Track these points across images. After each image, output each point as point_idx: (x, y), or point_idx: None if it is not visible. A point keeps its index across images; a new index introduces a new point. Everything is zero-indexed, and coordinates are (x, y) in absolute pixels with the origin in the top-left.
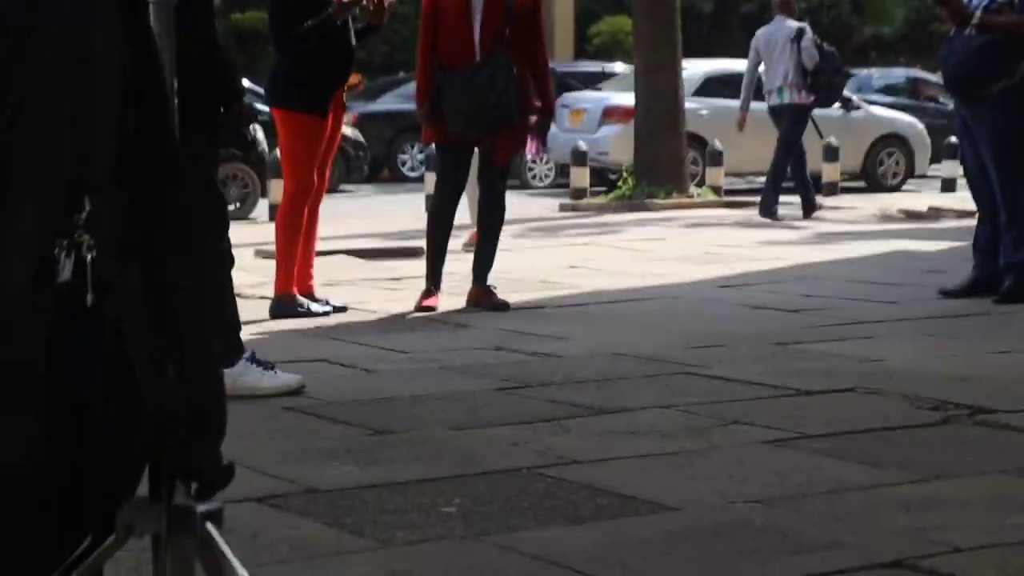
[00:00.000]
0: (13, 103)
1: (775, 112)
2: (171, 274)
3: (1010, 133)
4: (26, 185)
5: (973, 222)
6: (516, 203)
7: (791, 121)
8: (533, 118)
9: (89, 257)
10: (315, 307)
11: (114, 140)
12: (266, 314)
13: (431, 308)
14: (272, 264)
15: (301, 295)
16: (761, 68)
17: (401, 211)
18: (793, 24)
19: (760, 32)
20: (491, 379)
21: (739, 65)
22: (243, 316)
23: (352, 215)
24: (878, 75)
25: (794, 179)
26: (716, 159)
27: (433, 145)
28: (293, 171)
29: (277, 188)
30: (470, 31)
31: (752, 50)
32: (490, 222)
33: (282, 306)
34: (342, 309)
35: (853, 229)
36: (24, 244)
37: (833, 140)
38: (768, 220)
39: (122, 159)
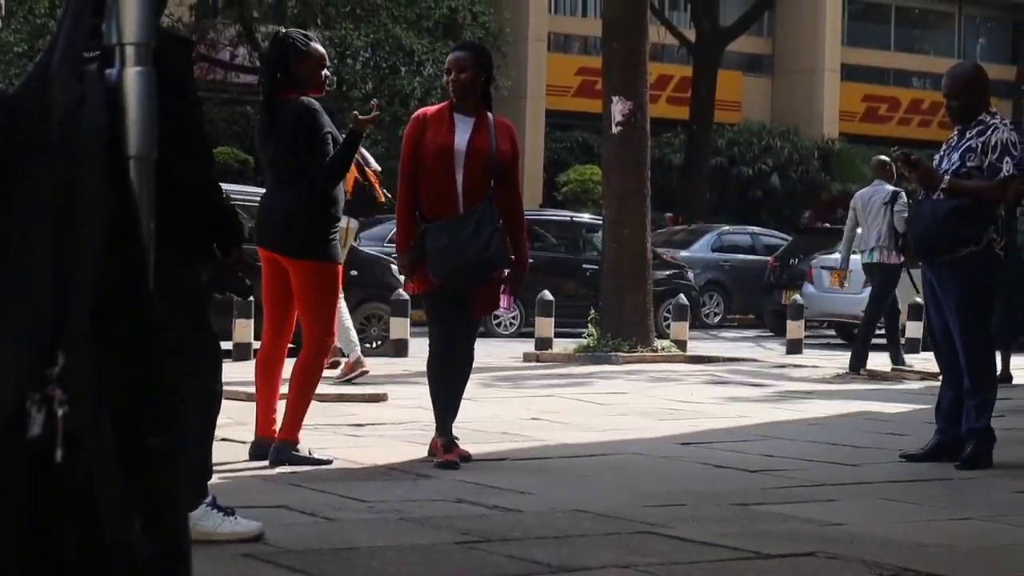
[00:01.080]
0: None
1: (868, 270)
2: (144, 430)
3: (975, 298)
4: (3, 335)
5: (936, 384)
6: (480, 351)
7: (880, 279)
8: (507, 271)
9: (60, 412)
10: (317, 454)
11: (92, 292)
12: (226, 457)
13: (451, 463)
14: (234, 405)
15: (262, 438)
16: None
17: (364, 355)
18: (888, 188)
19: (858, 194)
20: (451, 532)
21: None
22: None
23: None
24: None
25: (886, 335)
26: (681, 313)
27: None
28: (318, 320)
29: (242, 329)
30: (453, 183)
31: (851, 210)
32: (458, 372)
33: (285, 452)
34: (327, 462)
35: (816, 388)
36: None
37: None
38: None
39: (98, 312)
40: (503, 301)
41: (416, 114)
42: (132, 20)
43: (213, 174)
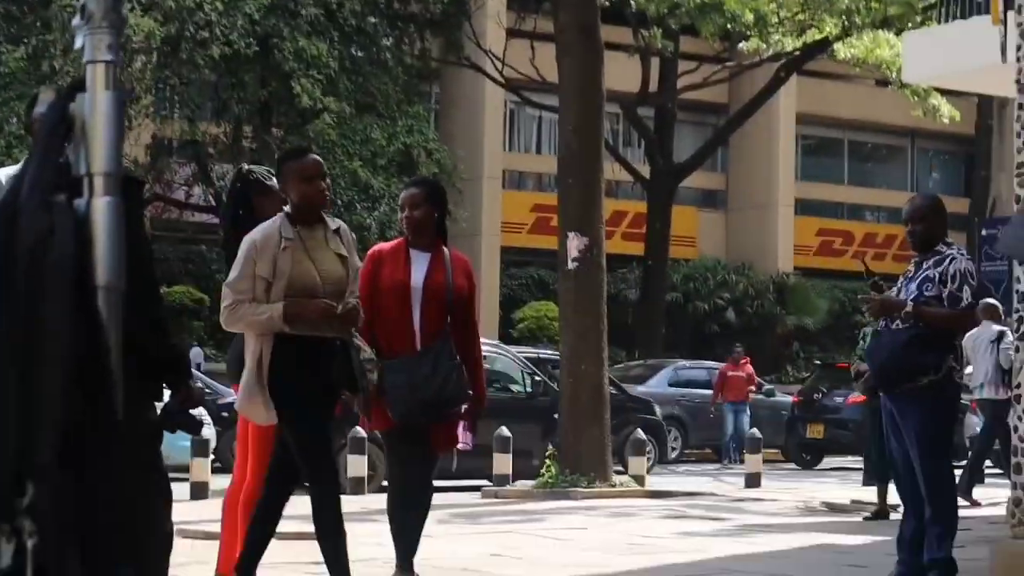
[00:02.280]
0: None
1: (980, 406)
2: (110, 559)
3: (936, 427)
4: None
5: (896, 516)
6: (439, 487)
7: (989, 415)
8: (464, 406)
9: (30, 544)
10: None
11: (58, 423)
12: None
13: None
14: (193, 544)
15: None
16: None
17: None
18: (996, 328)
19: (968, 334)
20: None
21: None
22: None
23: None
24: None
25: (970, 461)
26: (639, 448)
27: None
28: (266, 455)
29: (199, 468)
30: (410, 319)
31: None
32: (419, 504)
33: None
34: None
35: (775, 522)
36: None
37: None
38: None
39: (66, 441)
40: (463, 436)
41: (371, 251)
42: (101, 150)
43: (162, 313)
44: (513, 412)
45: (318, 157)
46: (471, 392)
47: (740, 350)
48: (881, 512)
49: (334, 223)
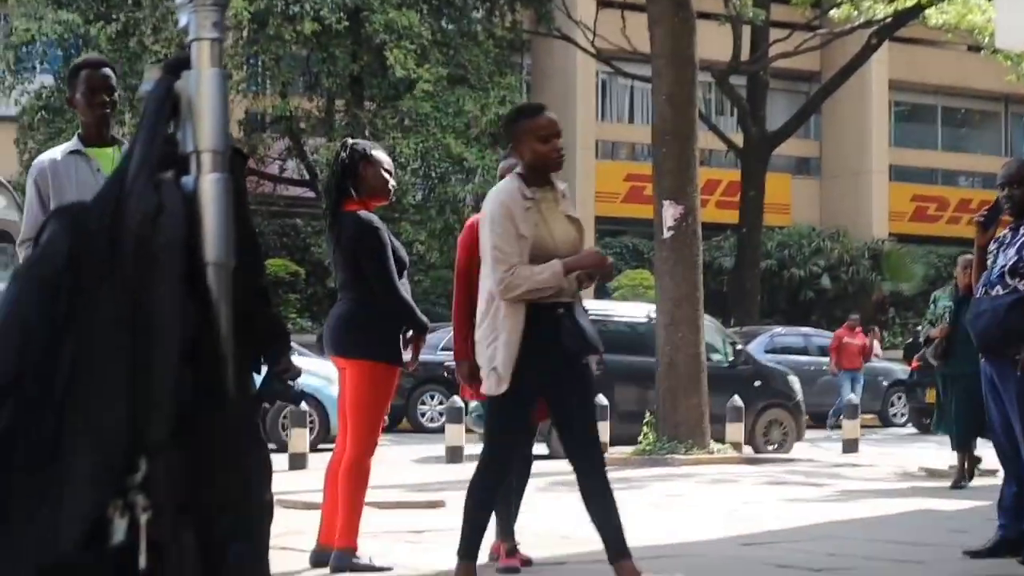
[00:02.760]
0: (71, 361)
1: None
2: (224, 535)
3: None
4: (83, 444)
5: (995, 481)
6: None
7: None
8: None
9: (143, 519)
10: (377, 561)
11: (171, 400)
12: (287, 566)
13: (513, 568)
14: (291, 514)
15: (324, 546)
16: None
17: (421, 462)
18: None
19: None
20: None
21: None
22: None
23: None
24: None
25: None
26: (736, 415)
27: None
28: (364, 420)
29: (298, 437)
30: None
31: None
32: (518, 476)
33: (345, 559)
34: (388, 569)
35: (874, 487)
36: (78, 504)
37: None
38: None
39: (178, 419)
40: None
41: (470, 221)
42: (208, 128)
43: (264, 284)
44: (713, 381)
45: (553, 115)
46: None
47: (856, 318)
48: (967, 474)
49: (560, 184)
